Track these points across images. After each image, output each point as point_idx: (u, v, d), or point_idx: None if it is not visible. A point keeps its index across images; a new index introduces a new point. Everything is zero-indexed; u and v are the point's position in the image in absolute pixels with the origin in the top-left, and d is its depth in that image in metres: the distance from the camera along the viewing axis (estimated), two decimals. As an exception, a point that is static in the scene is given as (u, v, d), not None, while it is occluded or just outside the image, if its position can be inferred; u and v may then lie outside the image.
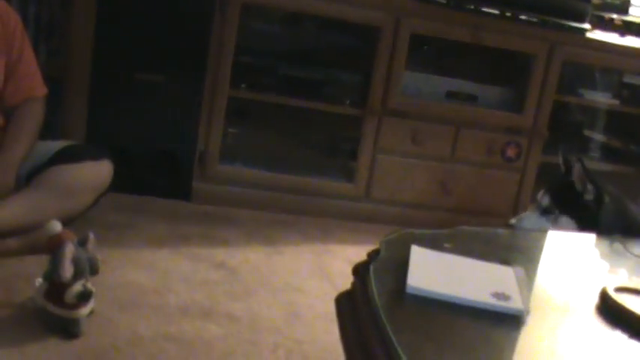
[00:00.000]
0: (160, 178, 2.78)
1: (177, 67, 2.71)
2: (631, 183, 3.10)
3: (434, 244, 1.35)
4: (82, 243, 1.75)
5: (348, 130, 3.02)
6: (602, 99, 3.26)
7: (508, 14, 2.91)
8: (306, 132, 3.15)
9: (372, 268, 1.20)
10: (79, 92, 2.67)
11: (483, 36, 2.88)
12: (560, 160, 2.24)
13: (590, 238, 1.71)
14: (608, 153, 3.39)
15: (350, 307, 1.22)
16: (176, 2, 2.68)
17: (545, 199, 2.15)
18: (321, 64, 3.02)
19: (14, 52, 2.18)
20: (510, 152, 3.01)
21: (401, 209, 2.97)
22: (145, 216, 2.57)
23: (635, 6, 3.32)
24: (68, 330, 1.68)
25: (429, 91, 3.00)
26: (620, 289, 1.24)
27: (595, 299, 1.23)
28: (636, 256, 1.53)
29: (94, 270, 1.75)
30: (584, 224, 2.03)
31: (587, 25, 2.99)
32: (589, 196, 2.10)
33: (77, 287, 1.68)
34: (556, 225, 2.09)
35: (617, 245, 1.59)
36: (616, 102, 3.27)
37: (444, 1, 2.85)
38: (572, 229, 2.06)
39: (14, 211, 2.06)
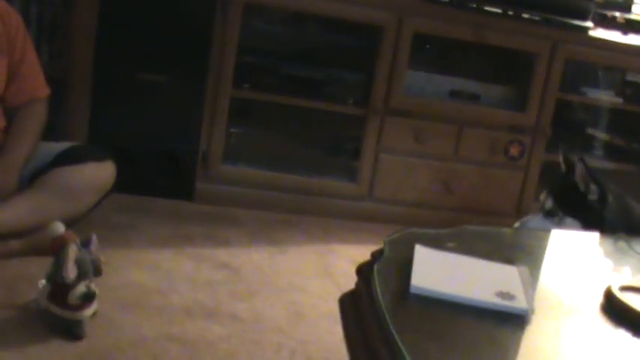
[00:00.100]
0: (162, 179, 2.78)
1: (179, 67, 2.71)
2: (634, 181, 3.10)
3: (437, 243, 1.34)
4: (85, 244, 1.75)
5: (351, 130, 3.02)
6: (605, 97, 3.25)
7: (510, 13, 2.90)
8: (308, 132, 3.14)
9: (375, 267, 1.19)
10: (81, 93, 2.67)
11: (486, 35, 2.87)
12: (560, 159, 2.23)
13: (594, 237, 1.71)
14: (611, 151, 3.38)
15: (354, 307, 1.22)
16: (178, 2, 2.68)
17: (548, 202, 2.14)
18: (324, 64, 3.02)
19: (16, 52, 2.18)
20: (513, 151, 3.00)
21: (404, 209, 2.97)
22: (148, 216, 2.57)
23: (638, 4, 3.32)
24: (71, 331, 1.68)
25: (431, 90, 2.99)
26: (625, 288, 1.24)
27: (600, 298, 1.23)
28: (640, 254, 1.53)
29: (97, 271, 1.75)
30: (590, 225, 2.02)
31: (589, 24, 2.99)
32: (593, 197, 2.09)
33: (80, 288, 1.68)
34: (561, 227, 2.07)
35: (622, 244, 1.59)
36: (619, 100, 3.26)
37: (447, 0, 2.84)
38: (578, 231, 2.05)
39: (17, 212, 2.06)
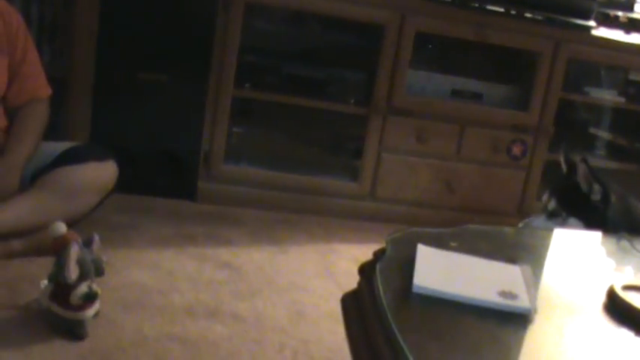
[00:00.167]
0: (164, 178, 2.78)
1: (181, 66, 2.71)
2: (636, 181, 3.10)
3: (440, 242, 1.34)
4: (87, 244, 1.75)
5: (353, 129, 3.02)
6: (607, 96, 3.25)
7: (513, 12, 2.90)
8: (310, 131, 3.15)
9: (378, 267, 1.19)
10: (82, 93, 2.67)
11: (488, 34, 2.87)
12: (562, 159, 2.23)
13: (597, 236, 1.70)
14: (614, 151, 3.38)
15: (356, 307, 1.21)
16: (179, 2, 2.68)
17: (551, 203, 2.13)
18: (326, 63, 3.02)
19: (18, 52, 2.18)
20: (516, 150, 3.00)
21: (405, 208, 2.96)
22: (150, 216, 2.57)
23: (640, 3, 3.31)
24: (73, 331, 1.68)
25: (433, 89, 2.99)
26: (628, 287, 1.23)
27: (602, 297, 1.23)
28: (643, 254, 1.52)
29: (99, 271, 1.75)
30: (592, 225, 2.01)
31: (592, 23, 2.98)
32: (596, 197, 2.08)
33: (82, 288, 1.67)
34: (564, 227, 2.07)
35: (624, 243, 1.58)
36: (621, 99, 3.26)
37: (449, -1, 2.85)
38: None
39: (19, 212, 2.06)
